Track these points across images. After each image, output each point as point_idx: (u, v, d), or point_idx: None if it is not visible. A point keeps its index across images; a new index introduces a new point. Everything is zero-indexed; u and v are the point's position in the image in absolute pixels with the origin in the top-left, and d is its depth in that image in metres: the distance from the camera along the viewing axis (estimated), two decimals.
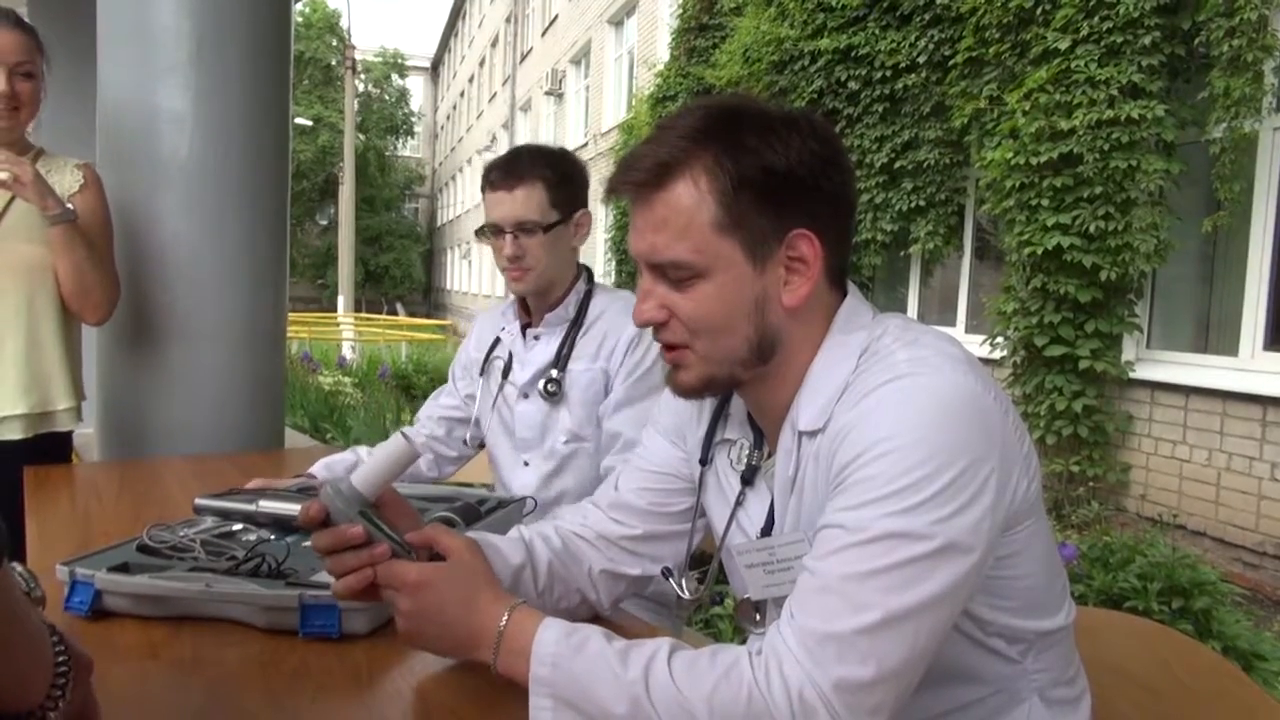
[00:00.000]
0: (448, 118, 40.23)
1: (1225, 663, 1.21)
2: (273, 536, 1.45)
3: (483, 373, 2.03)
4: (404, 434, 1.03)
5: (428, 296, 39.75)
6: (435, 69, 44.05)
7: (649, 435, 1.27)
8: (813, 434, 0.98)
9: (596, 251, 14.14)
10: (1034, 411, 5.79)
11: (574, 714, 0.90)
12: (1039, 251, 5.63)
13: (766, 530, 1.07)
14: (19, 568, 1.19)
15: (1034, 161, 5.68)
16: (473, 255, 31.08)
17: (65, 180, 2.22)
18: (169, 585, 1.19)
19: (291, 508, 1.46)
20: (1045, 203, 5.64)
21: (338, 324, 18.12)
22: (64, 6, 4.49)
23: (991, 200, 6.15)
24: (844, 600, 0.85)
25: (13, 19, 2.15)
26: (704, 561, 1.22)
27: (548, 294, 1.90)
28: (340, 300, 19.73)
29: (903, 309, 7.95)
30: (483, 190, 1.87)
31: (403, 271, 37.57)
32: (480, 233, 1.89)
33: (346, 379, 9.42)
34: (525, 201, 1.80)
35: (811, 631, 0.85)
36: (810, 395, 1.00)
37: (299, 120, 29.34)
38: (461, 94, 35.99)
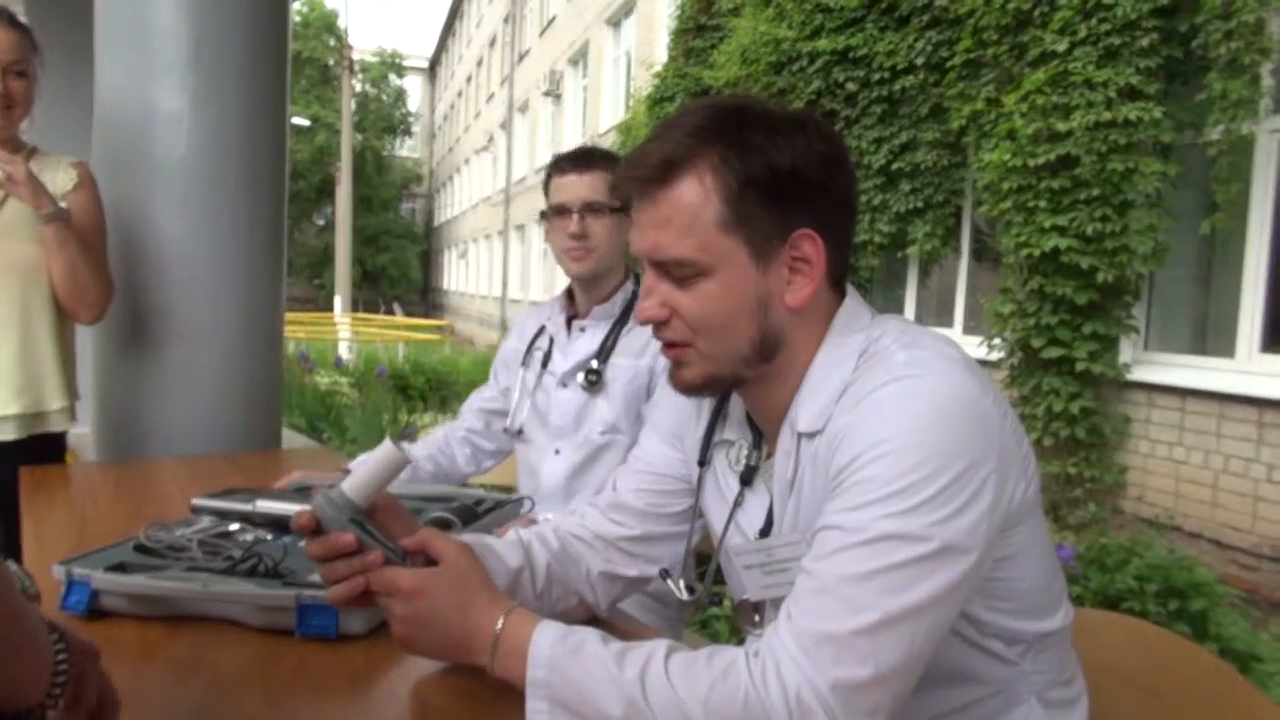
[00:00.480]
0: (445, 118, 40.22)
1: (1222, 664, 1.21)
2: (270, 537, 1.45)
3: (524, 362, 2.06)
4: (394, 441, 1.03)
5: (425, 297, 39.74)
6: (433, 69, 44.05)
7: (646, 436, 1.27)
8: (811, 435, 0.99)
9: None
10: (1031, 413, 5.79)
11: (571, 716, 0.90)
12: (1036, 253, 5.63)
13: (765, 531, 1.07)
14: (13, 566, 1.19)
15: (1031, 163, 5.68)
16: (470, 255, 31.08)
17: (59, 179, 2.22)
18: (166, 585, 1.19)
19: (289, 508, 1.46)
20: (1043, 204, 5.64)
21: (335, 324, 18.11)
22: (61, 6, 4.49)
23: (989, 202, 6.16)
24: (842, 601, 0.85)
25: (6, 17, 2.15)
26: (702, 562, 1.22)
27: (599, 285, 1.96)
28: (337, 300, 19.70)
29: (900, 310, 7.96)
30: (548, 180, 1.95)
31: (400, 272, 37.56)
32: (544, 215, 1.95)
33: (343, 379, 9.43)
34: (595, 185, 1.88)
35: (809, 632, 0.85)
36: (809, 396, 1.00)
37: (296, 120, 29.32)
38: (459, 94, 35.99)
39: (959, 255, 7.49)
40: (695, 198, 0.96)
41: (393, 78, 39.81)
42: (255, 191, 2.62)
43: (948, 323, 7.62)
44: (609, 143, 14.65)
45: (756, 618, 1.09)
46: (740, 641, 0.99)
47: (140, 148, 2.51)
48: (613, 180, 1.03)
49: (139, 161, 2.51)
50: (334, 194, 26.15)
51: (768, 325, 1.00)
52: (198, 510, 1.59)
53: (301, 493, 1.63)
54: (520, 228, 23.12)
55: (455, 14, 37.22)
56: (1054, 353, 5.67)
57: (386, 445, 1.02)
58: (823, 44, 7.81)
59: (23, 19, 2.22)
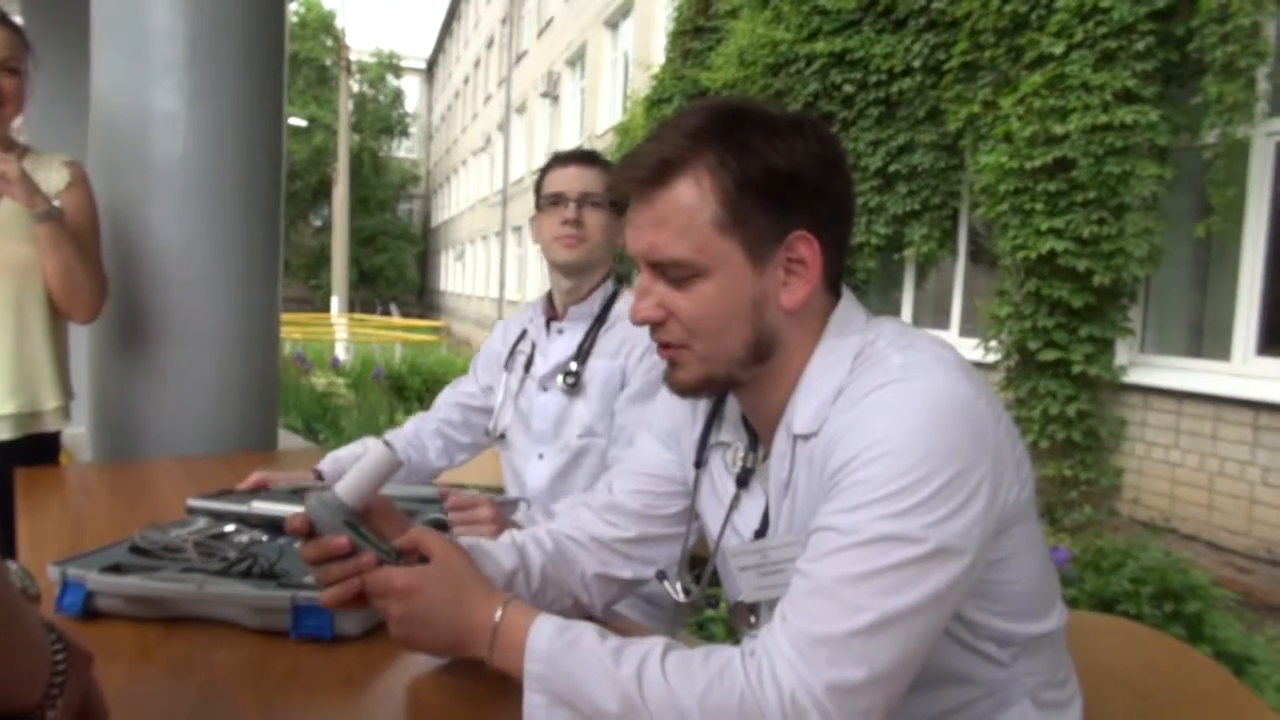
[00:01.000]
0: (442, 119, 40.21)
1: (1216, 667, 1.21)
2: (265, 538, 1.45)
3: (507, 365, 2.05)
4: (387, 443, 1.03)
5: (422, 298, 39.71)
6: (430, 70, 44.04)
7: (642, 438, 1.27)
8: (807, 437, 0.99)
9: None
10: (1027, 415, 5.80)
11: (568, 711, 0.90)
12: (1033, 256, 5.64)
13: (761, 533, 1.07)
14: (14, 565, 1.19)
15: (1028, 166, 5.69)
16: (467, 257, 31.07)
17: (52, 178, 2.22)
18: (161, 586, 1.19)
19: (284, 509, 1.46)
20: (1039, 207, 5.65)
21: (331, 325, 18.09)
22: (57, 6, 4.49)
23: (986, 204, 6.17)
24: (837, 603, 0.85)
25: None
26: (696, 565, 1.22)
27: (582, 280, 1.94)
28: (334, 301, 19.70)
29: (897, 313, 7.96)
30: (543, 176, 1.94)
31: (397, 273, 37.52)
32: (539, 207, 1.94)
33: (340, 380, 9.42)
34: (596, 179, 1.88)
35: (804, 633, 0.85)
36: (805, 398, 1.00)
37: (293, 121, 29.32)
38: (456, 95, 35.98)
39: (956, 257, 7.50)
40: (692, 199, 0.96)
41: (390, 78, 39.77)
42: (252, 192, 2.62)
43: (944, 325, 7.62)
44: (606, 144, 14.67)
45: (752, 619, 1.09)
46: (736, 643, 0.99)
47: (136, 148, 2.51)
48: (610, 180, 1.03)
49: (135, 162, 2.51)
50: (331, 195, 26.14)
51: (763, 327, 1.00)
52: (193, 511, 1.59)
53: (297, 494, 1.63)
54: (518, 229, 23.11)
55: (453, 15, 37.21)
56: (1050, 355, 5.68)
57: (379, 447, 1.03)
58: (820, 46, 7.82)
59: (17, 19, 2.21)
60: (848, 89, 7.70)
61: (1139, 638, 1.29)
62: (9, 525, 1.73)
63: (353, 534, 1.01)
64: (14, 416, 2.17)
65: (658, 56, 12.94)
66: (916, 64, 7.15)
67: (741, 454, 1.12)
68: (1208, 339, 5.64)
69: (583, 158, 1.92)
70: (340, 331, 16.41)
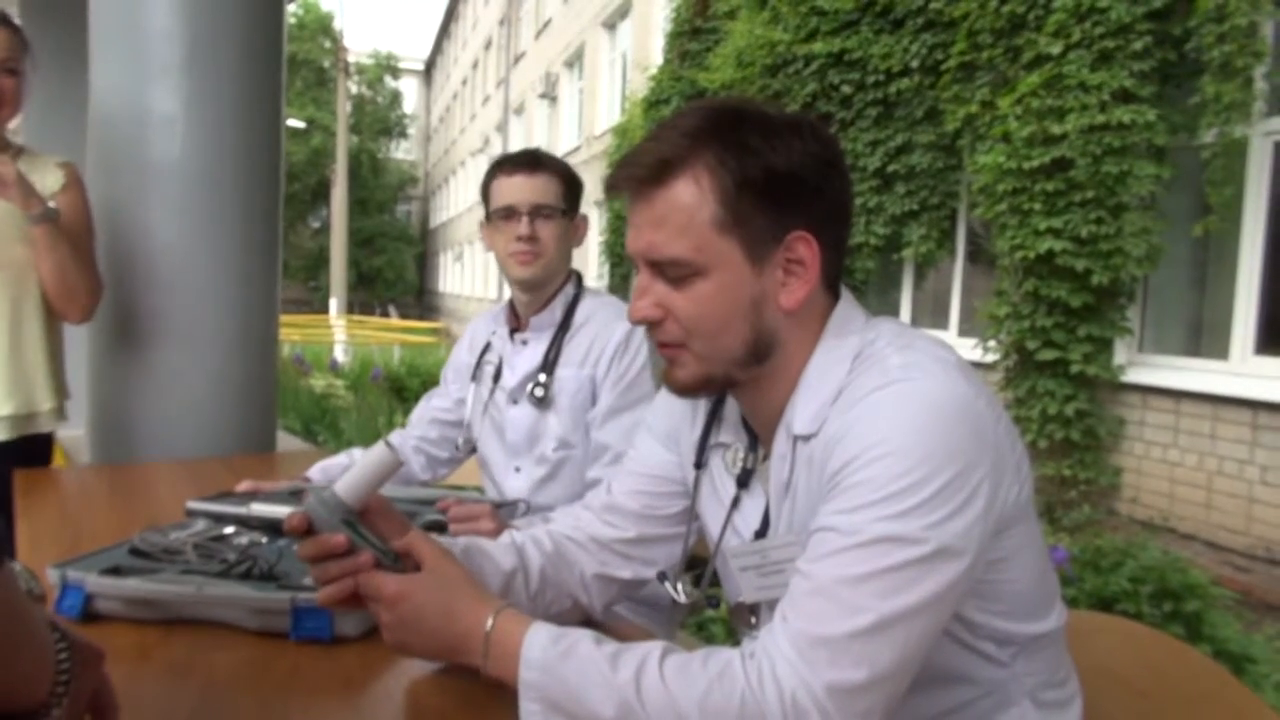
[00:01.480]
0: (441, 120, 40.20)
1: (1215, 666, 1.22)
2: (265, 539, 1.45)
3: (474, 377, 2.02)
4: (388, 443, 1.03)
5: (420, 299, 39.69)
6: (428, 71, 44.04)
7: (642, 438, 1.27)
8: (807, 438, 0.99)
9: (590, 255, 14.14)
10: (1026, 415, 5.80)
11: (564, 718, 0.90)
12: (1031, 256, 5.64)
13: (761, 533, 1.07)
14: (18, 565, 1.19)
15: (1026, 166, 5.69)
16: (465, 258, 31.06)
17: (47, 179, 2.21)
18: (161, 588, 1.19)
19: (284, 511, 1.46)
20: (1037, 207, 5.66)
21: (330, 326, 18.08)
22: (56, 8, 4.48)
23: (984, 204, 6.17)
24: (837, 604, 0.85)
25: None
26: (695, 565, 1.22)
27: (541, 290, 1.89)
28: (333, 302, 19.68)
29: (896, 313, 7.96)
30: (491, 179, 1.88)
31: (395, 274, 37.50)
32: (488, 219, 1.89)
33: (339, 381, 9.40)
34: (545, 188, 1.83)
35: (804, 634, 0.85)
36: (804, 399, 1.00)
37: (292, 122, 29.30)
38: (455, 96, 35.98)
39: (954, 258, 7.50)
40: (691, 198, 0.96)
41: (388, 80, 39.78)
42: (250, 194, 2.62)
43: (943, 325, 7.63)
44: (605, 145, 14.67)
45: (753, 619, 1.09)
46: (736, 644, 0.99)
47: (134, 150, 2.51)
48: (608, 180, 1.03)
49: (133, 164, 2.51)
50: (330, 196, 26.13)
51: (762, 327, 1.00)
52: (192, 513, 1.59)
53: (296, 495, 1.63)
54: None
55: (451, 16, 37.22)
56: (1049, 355, 5.68)
57: (379, 447, 1.02)
58: (818, 47, 7.82)
59: (16, 20, 2.21)
60: (846, 89, 7.71)
61: (1138, 637, 1.29)
62: (8, 526, 1.73)
63: (351, 533, 1.01)
64: (10, 418, 2.17)
65: (656, 57, 12.94)
66: (914, 64, 7.15)
67: (741, 455, 1.12)
68: (1206, 338, 5.64)
69: (529, 163, 1.85)
70: (339, 333, 16.40)
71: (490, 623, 0.97)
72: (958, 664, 1.00)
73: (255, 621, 1.17)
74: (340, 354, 13.49)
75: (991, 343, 6.16)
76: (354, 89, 36.36)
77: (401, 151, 41.59)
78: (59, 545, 1.58)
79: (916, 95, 7.21)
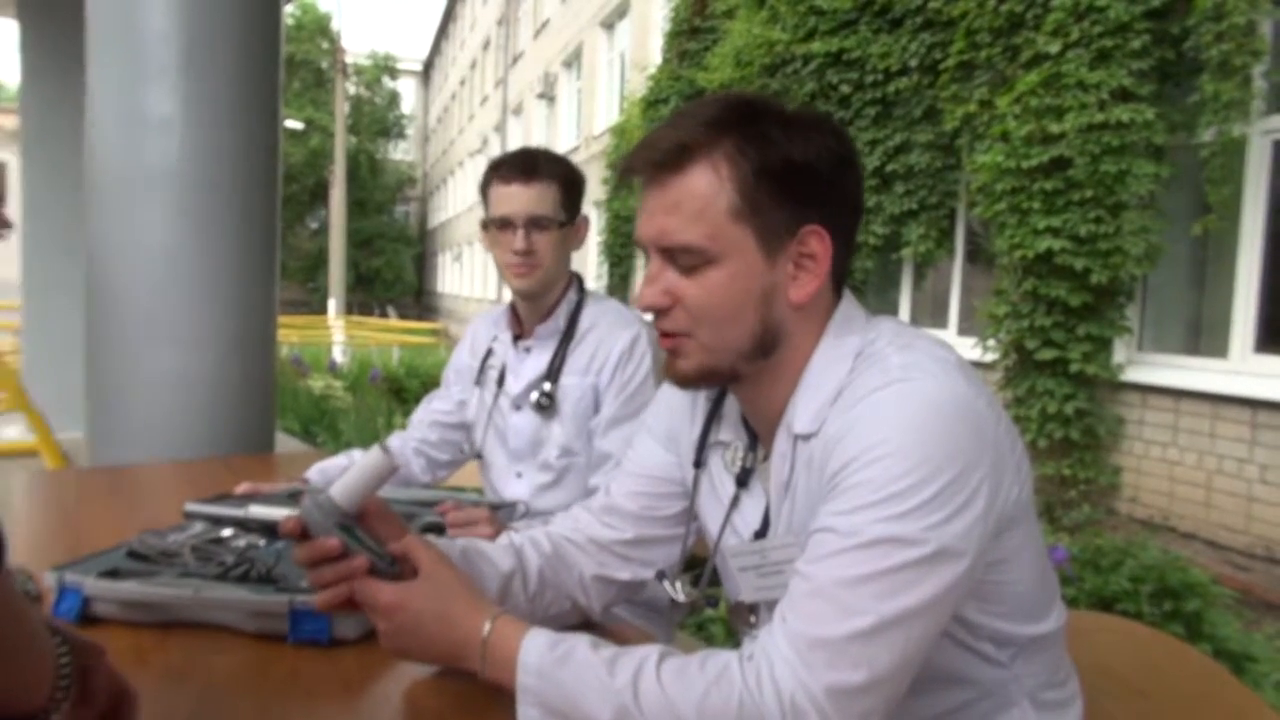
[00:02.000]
0: (439, 120, 40.18)
1: (1215, 665, 1.21)
2: (263, 542, 1.45)
3: (478, 381, 2.02)
4: (384, 447, 1.02)
5: (419, 299, 39.67)
6: (427, 72, 44.02)
7: (640, 439, 1.27)
8: (807, 437, 0.98)
9: (589, 255, 14.14)
10: (1025, 415, 5.80)
11: None
12: (1030, 255, 5.64)
13: (761, 533, 1.07)
14: (15, 566, 1.19)
15: (1025, 165, 5.69)
16: (464, 258, 31.05)
17: None
18: (158, 591, 1.18)
19: (282, 513, 1.45)
20: (1036, 206, 5.66)
21: (329, 327, 18.07)
22: (53, 10, 4.48)
23: (983, 204, 6.17)
24: (836, 605, 0.85)
25: None
26: (694, 566, 1.21)
27: (543, 299, 1.89)
28: (331, 303, 19.67)
29: (895, 312, 7.96)
30: (487, 185, 1.85)
31: (394, 274, 37.47)
32: (486, 226, 1.86)
33: (337, 383, 9.39)
34: (540, 197, 1.80)
35: (803, 636, 0.85)
36: (805, 398, 1.00)
37: (290, 123, 29.27)
38: (453, 97, 35.96)
39: (953, 257, 7.50)
40: (708, 185, 0.96)
41: (386, 80, 39.75)
42: (248, 195, 2.62)
43: (942, 324, 7.63)
44: (603, 145, 14.67)
45: (752, 619, 1.09)
46: (735, 644, 0.98)
47: (132, 152, 2.51)
48: (623, 164, 1.02)
49: (131, 166, 2.51)
50: (328, 197, 26.13)
51: (770, 319, 0.99)
52: (190, 516, 1.58)
53: (294, 497, 1.63)
54: None
55: (449, 16, 37.19)
56: (1048, 354, 5.68)
57: (375, 451, 1.02)
58: (816, 46, 7.82)
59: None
60: (844, 89, 7.71)
61: (1138, 636, 1.29)
62: None
63: (346, 537, 1.00)
64: None
65: (654, 57, 12.94)
66: (913, 64, 7.15)
67: (741, 454, 1.12)
68: (1205, 337, 5.64)
69: (524, 169, 1.80)
70: (337, 334, 16.39)
71: (487, 629, 0.97)
72: (957, 665, 0.99)
73: (253, 624, 1.17)
74: (339, 355, 13.47)
75: (991, 342, 6.16)
76: (352, 90, 36.32)
77: (400, 152, 41.56)
78: (57, 548, 1.58)
79: (915, 94, 7.21)
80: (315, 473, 1.92)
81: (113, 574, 1.24)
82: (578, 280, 1.95)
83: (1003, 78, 6.18)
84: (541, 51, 21.42)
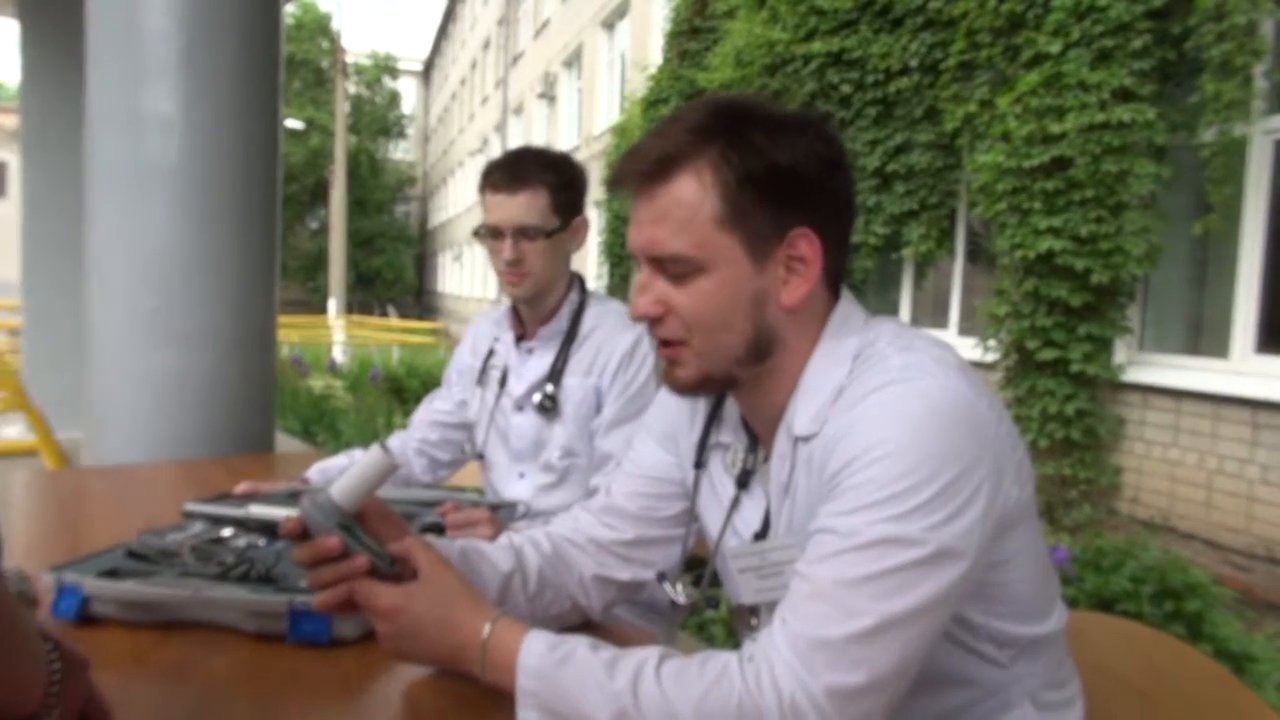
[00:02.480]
0: (439, 120, 40.19)
1: (1216, 666, 1.21)
2: (262, 542, 1.44)
3: (480, 381, 2.01)
4: (383, 446, 1.02)
5: (419, 299, 39.68)
6: (427, 71, 44.02)
7: (640, 440, 1.27)
8: (807, 438, 0.98)
9: (589, 255, 14.14)
10: (1026, 415, 5.80)
11: None
12: (1031, 255, 5.64)
13: (761, 534, 1.07)
14: (11, 567, 1.18)
15: (1025, 165, 5.69)
16: (464, 258, 31.06)
17: None
18: (157, 591, 1.18)
19: (281, 513, 1.45)
20: (1037, 206, 5.65)
21: (329, 327, 18.07)
22: (53, 9, 4.48)
23: (983, 204, 6.17)
24: (836, 606, 0.85)
25: None
26: (694, 566, 1.21)
27: (542, 302, 1.88)
28: (331, 303, 19.67)
29: (895, 312, 7.96)
30: (482, 190, 1.83)
31: (394, 274, 37.48)
32: (478, 233, 1.86)
33: (337, 382, 9.39)
34: (528, 206, 1.78)
35: (803, 637, 0.85)
36: (805, 399, 0.99)
37: (290, 123, 29.29)
38: (453, 96, 35.96)
39: (954, 257, 7.50)
40: (693, 194, 0.96)
41: (387, 80, 39.75)
42: (248, 195, 2.62)
43: (943, 325, 7.63)
44: (603, 145, 14.67)
45: (753, 621, 1.09)
46: (736, 646, 0.98)
47: (132, 151, 2.51)
48: (610, 175, 1.02)
49: (130, 165, 2.51)
50: (328, 197, 26.14)
51: (763, 324, 0.99)
52: (190, 515, 1.58)
53: (294, 497, 1.62)
54: None
55: (449, 16, 37.20)
56: (1049, 354, 5.68)
57: (375, 450, 1.01)
58: (817, 46, 7.82)
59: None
60: (845, 89, 7.70)
61: (1139, 637, 1.28)
62: None
63: (346, 536, 1.00)
64: None
65: (655, 57, 12.94)
66: (913, 63, 7.15)
67: (741, 455, 1.12)
68: (1206, 337, 5.64)
69: (510, 178, 1.78)
70: (338, 334, 16.39)
71: (486, 632, 0.97)
72: (957, 666, 0.99)
73: (252, 624, 1.17)
74: (339, 355, 13.48)
75: (991, 342, 6.16)
76: (352, 89, 36.33)
77: (400, 152, 41.56)
78: (56, 547, 1.58)
79: (915, 94, 7.21)
80: (315, 473, 1.91)
81: (112, 574, 1.24)
82: (579, 281, 1.94)
83: (1003, 77, 6.18)
84: (542, 51, 21.42)
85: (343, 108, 22.28)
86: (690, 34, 10.98)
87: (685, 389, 1.04)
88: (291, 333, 14.85)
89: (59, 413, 4.36)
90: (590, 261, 14.18)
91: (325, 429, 7.27)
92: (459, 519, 1.55)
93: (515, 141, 23.94)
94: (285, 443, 5.54)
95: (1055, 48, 5.64)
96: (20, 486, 2.01)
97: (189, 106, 2.49)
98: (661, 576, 1.22)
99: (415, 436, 2.09)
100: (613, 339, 1.84)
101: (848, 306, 1.04)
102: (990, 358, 6.17)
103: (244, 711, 0.99)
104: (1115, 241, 5.40)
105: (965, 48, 6.51)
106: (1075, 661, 1.10)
